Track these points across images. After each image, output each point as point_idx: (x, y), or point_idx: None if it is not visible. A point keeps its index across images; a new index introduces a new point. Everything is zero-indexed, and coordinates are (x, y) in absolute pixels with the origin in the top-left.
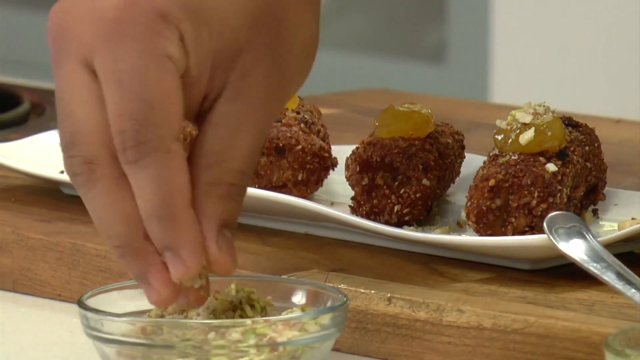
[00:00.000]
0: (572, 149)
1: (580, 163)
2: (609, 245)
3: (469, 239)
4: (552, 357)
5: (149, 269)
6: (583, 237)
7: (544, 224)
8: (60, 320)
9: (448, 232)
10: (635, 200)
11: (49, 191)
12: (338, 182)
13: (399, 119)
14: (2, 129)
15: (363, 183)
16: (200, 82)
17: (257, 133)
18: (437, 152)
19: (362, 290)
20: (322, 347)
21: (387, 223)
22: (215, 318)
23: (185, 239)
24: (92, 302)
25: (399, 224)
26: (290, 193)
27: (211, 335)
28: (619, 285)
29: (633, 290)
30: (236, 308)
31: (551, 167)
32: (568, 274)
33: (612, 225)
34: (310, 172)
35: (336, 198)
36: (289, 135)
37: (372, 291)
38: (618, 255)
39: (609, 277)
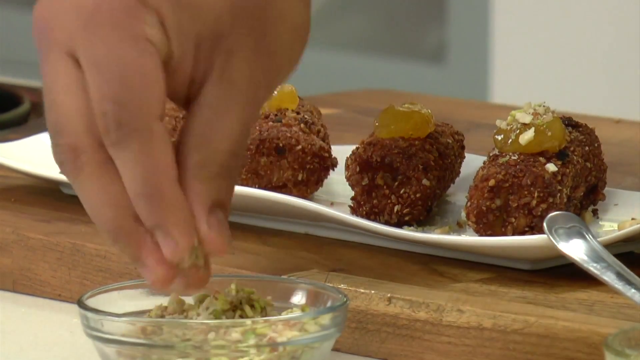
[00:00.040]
0: (572, 149)
1: (580, 163)
2: (608, 246)
3: (469, 239)
4: (552, 357)
5: (142, 250)
6: (583, 237)
7: (544, 224)
8: (60, 320)
9: (448, 232)
10: (635, 200)
11: (49, 191)
12: (338, 182)
13: (399, 119)
14: (2, 129)
15: (363, 183)
16: (185, 66)
17: (244, 115)
18: (437, 152)
19: (362, 290)
20: (322, 347)
21: (387, 223)
22: (215, 318)
23: (172, 216)
24: (92, 302)
25: (399, 224)
26: (290, 193)
27: (211, 335)
28: (618, 285)
29: (633, 290)
30: (236, 308)
31: (551, 167)
32: (568, 274)
33: (612, 225)
34: (310, 172)
35: (336, 198)
36: (289, 135)
37: (372, 291)
38: (618, 256)
39: (608, 277)
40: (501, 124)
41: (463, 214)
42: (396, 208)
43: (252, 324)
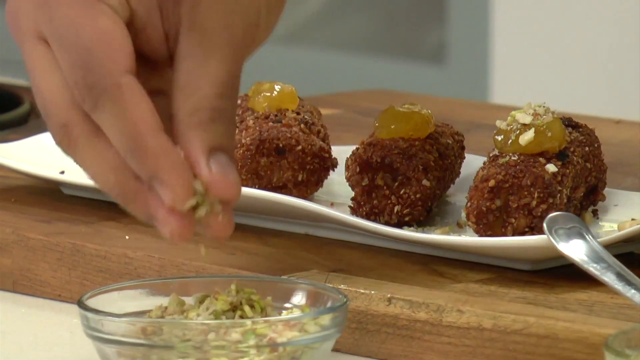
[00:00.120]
0: (572, 149)
1: (580, 164)
2: (608, 246)
3: (469, 239)
4: (552, 358)
5: (151, 206)
6: (583, 237)
7: (544, 225)
8: (60, 321)
9: (448, 233)
10: (635, 200)
11: (49, 191)
12: (338, 182)
13: (399, 119)
14: (2, 130)
15: (363, 184)
16: (153, 22)
17: (225, 57)
18: (437, 153)
19: (362, 291)
20: (322, 348)
21: (387, 224)
22: (215, 318)
23: (162, 163)
24: (92, 302)
25: (399, 225)
26: (290, 193)
27: (211, 335)
28: (618, 286)
29: (633, 290)
30: (236, 308)
31: (551, 167)
32: (568, 274)
33: (612, 225)
34: (310, 173)
35: (336, 198)
36: (289, 135)
37: (372, 292)
38: (618, 256)
39: (608, 278)
40: (501, 124)
41: (463, 215)
42: (396, 208)
43: (252, 324)
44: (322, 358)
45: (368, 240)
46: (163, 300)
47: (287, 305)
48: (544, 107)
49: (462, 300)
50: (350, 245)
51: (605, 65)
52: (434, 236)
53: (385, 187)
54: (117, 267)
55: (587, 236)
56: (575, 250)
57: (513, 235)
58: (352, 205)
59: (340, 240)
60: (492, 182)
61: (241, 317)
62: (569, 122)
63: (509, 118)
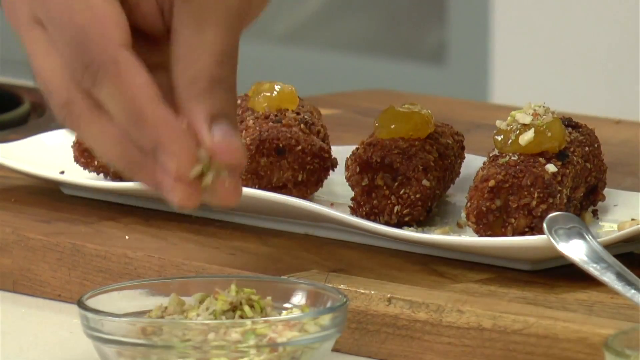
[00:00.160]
0: (572, 149)
1: (580, 164)
2: (608, 246)
3: (469, 239)
4: (552, 358)
5: (157, 176)
6: (583, 237)
7: (544, 225)
8: (60, 321)
9: (448, 233)
10: (635, 201)
11: (49, 191)
12: (338, 182)
13: (399, 119)
14: (2, 130)
15: (363, 184)
16: None
17: (221, 26)
18: (437, 153)
19: (362, 291)
20: (322, 348)
21: (387, 224)
22: (215, 319)
23: (162, 132)
24: (92, 302)
25: (398, 225)
26: (290, 194)
27: (211, 335)
28: (618, 286)
29: (633, 291)
30: (236, 308)
31: (551, 167)
32: (568, 274)
33: (611, 226)
34: (310, 173)
35: (336, 199)
36: (289, 135)
37: (372, 292)
38: (618, 256)
39: (608, 278)
40: (501, 124)
41: (463, 215)
42: (396, 208)
43: (252, 324)
44: (322, 358)
45: (368, 240)
46: (163, 300)
47: (287, 305)
48: (544, 107)
49: (462, 300)
50: (350, 245)
51: (605, 65)
52: (434, 236)
53: (385, 187)
54: (117, 267)
55: (587, 236)
56: (575, 250)
57: (513, 235)
58: (352, 205)
59: (340, 240)
60: (492, 182)
61: (241, 317)
62: (569, 122)
63: (509, 118)
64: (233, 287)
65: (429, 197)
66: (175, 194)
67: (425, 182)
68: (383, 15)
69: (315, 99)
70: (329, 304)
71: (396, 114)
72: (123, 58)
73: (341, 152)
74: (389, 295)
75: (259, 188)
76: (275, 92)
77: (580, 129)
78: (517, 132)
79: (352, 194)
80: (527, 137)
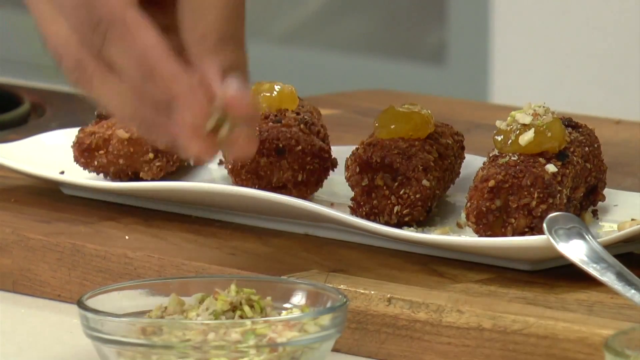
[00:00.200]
0: (571, 149)
1: (580, 164)
2: (608, 246)
3: (469, 239)
4: (552, 358)
5: (172, 132)
6: (583, 238)
7: (544, 225)
8: (60, 321)
9: (448, 233)
10: (635, 201)
11: (49, 191)
12: (338, 182)
13: (399, 119)
14: (2, 130)
15: (363, 184)
16: None
17: None
18: (437, 153)
19: (362, 291)
20: (322, 348)
21: (386, 224)
22: (215, 319)
23: (176, 85)
24: (91, 302)
25: (398, 225)
26: (290, 194)
27: (211, 335)
28: (618, 286)
29: (633, 291)
30: (236, 308)
31: (551, 168)
32: (568, 274)
33: (611, 226)
34: (310, 173)
35: (336, 199)
36: (288, 136)
37: (372, 292)
38: (618, 256)
39: (608, 278)
40: (501, 124)
41: (463, 215)
42: (396, 209)
43: (251, 324)
44: (322, 358)
45: (368, 240)
46: (163, 300)
47: (286, 305)
48: (543, 107)
49: (462, 301)
50: (350, 245)
51: (605, 65)
52: (434, 236)
53: (385, 187)
54: (117, 267)
55: (587, 236)
56: (575, 250)
57: (513, 235)
58: (352, 205)
59: (340, 240)
60: (492, 182)
61: (241, 317)
62: (569, 122)
63: (508, 118)
64: (233, 287)
65: (429, 197)
66: (191, 147)
67: (425, 182)
68: (383, 16)
69: (315, 99)
70: (328, 304)
71: (396, 114)
72: (131, 16)
73: (341, 152)
74: (388, 296)
75: (259, 188)
76: (275, 92)
77: (580, 129)
78: (517, 132)
79: (352, 194)
80: (527, 137)
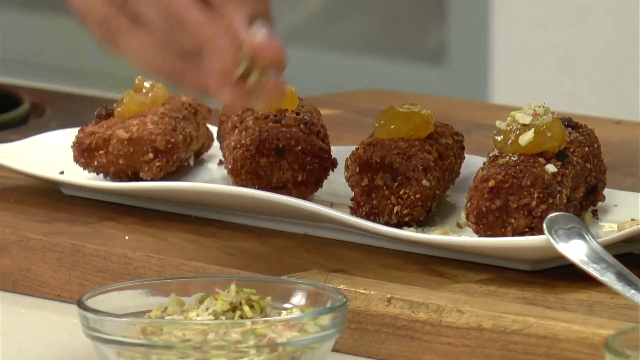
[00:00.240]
0: (571, 149)
1: (580, 164)
2: (608, 246)
3: (469, 239)
4: (552, 358)
5: (202, 81)
6: (583, 238)
7: (544, 225)
8: (59, 321)
9: (448, 233)
10: (635, 201)
11: (49, 192)
12: (338, 182)
13: (399, 119)
14: (2, 130)
15: (363, 184)
16: None
17: None
18: (437, 153)
19: (362, 291)
20: (322, 348)
21: (386, 224)
22: (215, 319)
23: (204, 33)
24: (91, 302)
25: (398, 225)
26: (290, 194)
27: (211, 335)
28: (618, 286)
29: (632, 291)
30: (236, 309)
31: (551, 168)
32: (568, 274)
33: (611, 226)
34: (310, 173)
35: (336, 199)
36: (288, 136)
37: (372, 292)
38: (618, 256)
39: (608, 278)
40: (501, 124)
41: (463, 215)
42: (396, 209)
43: (251, 324)
44: (322, 358)
45: (368, 240)
46: (163, 300)
47: (286, 305)
48: (543, 107)
49: (462, 301)
50: (350, 245)
51: (605, 65)
52: (434, 236)
53: (385, 188)
54: (117, 267)
55: (587, 236)
56: (575, 250)
57: (513, 235)
58: (351, 206)
59: (340, 240)
60: (492, 183)
61: (241, 317)
62: (569, 122)
63: (508, 118)
64: (233, 287)
65: (428, 197)
66: (222, 95)
67: (425, 182)
68: (383, 16)
69: (315, 99)
70: (328, 304)
71: (396, 114)
72: None
73: (341, 152)
74: (388, 296)
75: (259, 188)
76: None
77: (580, 129)
78: (517, 132)
79: (352, 194)
80: (527, 137)
